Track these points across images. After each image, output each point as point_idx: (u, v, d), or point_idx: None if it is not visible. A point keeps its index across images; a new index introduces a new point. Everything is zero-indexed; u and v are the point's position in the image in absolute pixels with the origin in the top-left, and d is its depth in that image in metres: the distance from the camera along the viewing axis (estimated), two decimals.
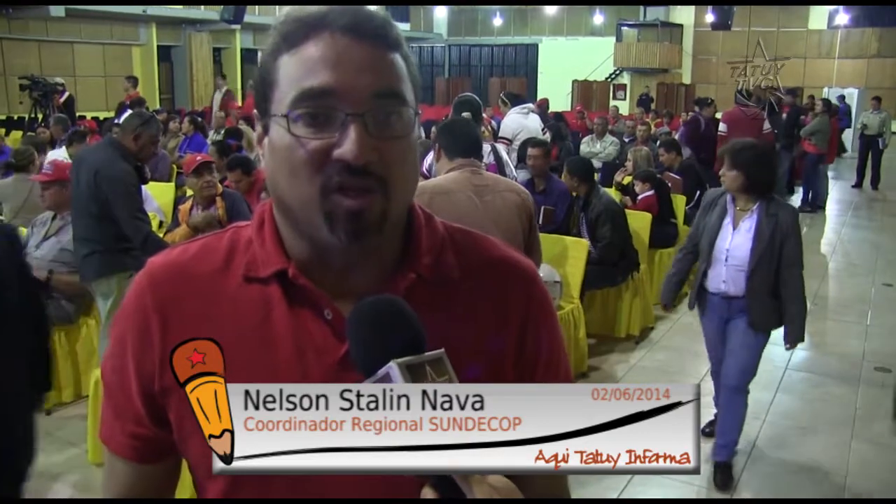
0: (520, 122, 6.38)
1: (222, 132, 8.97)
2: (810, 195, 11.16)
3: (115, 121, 8.83)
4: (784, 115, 11.50)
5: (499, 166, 4.75)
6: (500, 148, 5.22)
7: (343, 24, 0.82)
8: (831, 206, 11.43)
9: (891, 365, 5.15)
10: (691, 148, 8.88)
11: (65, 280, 4.21)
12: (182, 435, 0.90)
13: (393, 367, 0.72)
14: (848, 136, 18.11)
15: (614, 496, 3.42)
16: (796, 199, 11.90)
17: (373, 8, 0.86)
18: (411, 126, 0.85)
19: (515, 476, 0.72)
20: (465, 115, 4.88)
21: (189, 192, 5.02)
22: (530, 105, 6.97)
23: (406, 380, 0.71)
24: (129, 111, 5.49)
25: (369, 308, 0.79)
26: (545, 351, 0.97)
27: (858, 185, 13.58)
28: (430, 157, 3.71)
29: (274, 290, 0.89)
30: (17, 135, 10.71)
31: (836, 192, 12.58)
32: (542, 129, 6.60)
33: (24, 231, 4.72)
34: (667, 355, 5.35)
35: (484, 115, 6.47)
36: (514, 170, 5.13)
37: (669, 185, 6.85)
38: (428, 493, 0.72)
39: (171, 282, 0.92)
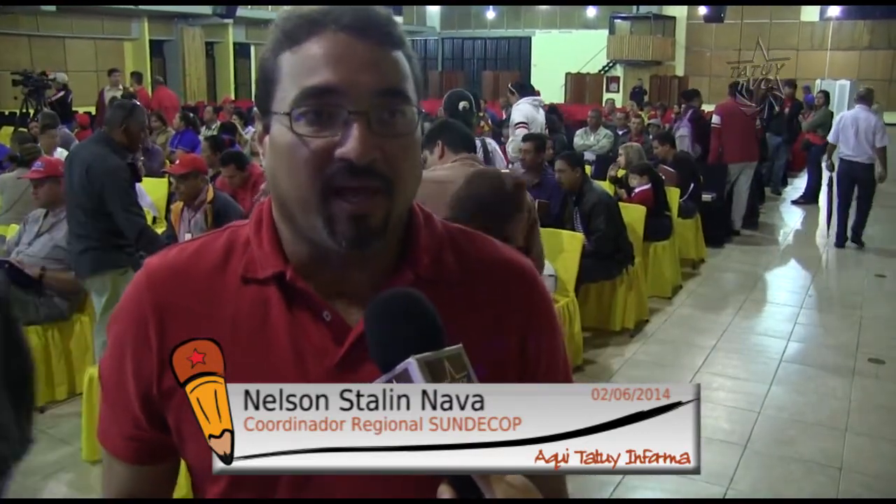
0: (532, 114, 6.35)
1: (214, 127, 8.94)
2: (810, 186, 11.21)
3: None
4: (786, 111, 11.49)
5: (486, 160, 4.74)
6: (488, 140, 5.22)
7: (346, 22, 0.82)
8: (825, 198, 11.43)
9: (885, 356, 5.18)
10: (701, 146, 8.86)
11: (58, 277, 4.20)
12: (181, 437, 0.90)
13: (412, 362, 0.71)
14: None
15: (610, 490, 3.43)
16: (791, 191, 11.94)
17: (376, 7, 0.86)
18: (414, 124, 0.84)
19: None
20: (464, 104, 4.86)
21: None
22: (541, 98, 6.95)
23: (425, 375, 0.71)
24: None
25: (389, 301, 0.78)
26: (547, 352, 0.96)
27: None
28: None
29: (272, 291, 0.88)
30: (8, 130, 10.64)
31: None
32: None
33: (15, 228, 4.71)
34: (662, 348, 5.37)
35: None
36: (503, 160, 5.13)
37: (664, 177, 6.86)
38: (445, 491, 0.72)
39: (168, 282, 0.91)
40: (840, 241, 8.40)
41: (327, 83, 0.80)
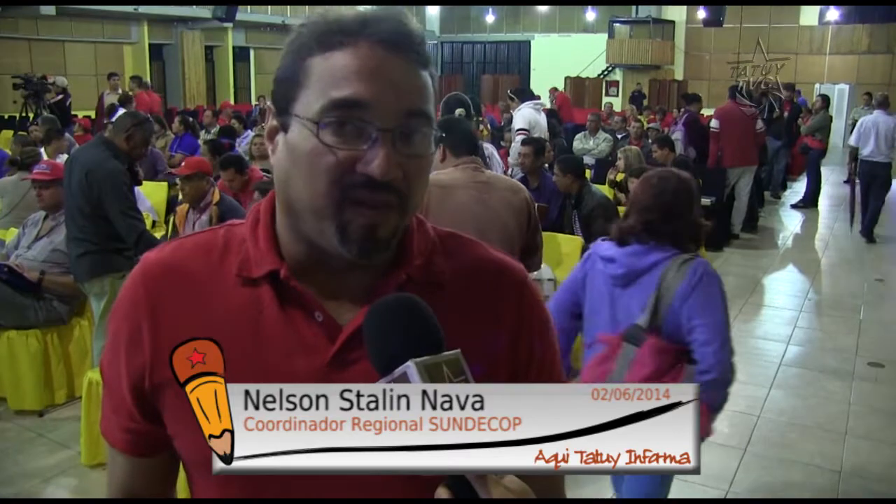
0: (535, 118, 6.34)
1: (213, 131, 8.94)
2: (809, 190, 11.22)
3: (106, 120, 8.78)
4: (785, 114, 11.49)
5: (485, 163, 4.75)
6: (486, 145, 5.23)
7: (381, 37, 0.82)
8: (823, 202, 11.46)
9: (884, 360, 5.18)
10: (696, 148, 8.86)
11: (57, 280, 4.19)
12: (174, 432, 0.91)
13: (411, 366, 0.71)
14: (839, 131, 18.18)
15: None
16: (791, 195, 11.95)
17: (404, 9, 0.86)
18: (431, 144, 0.85)
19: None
20: (460, 110, 4.86)
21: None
22: (542, 102, 6.95)
23: (424, 379, 0.71)
24: (122, 110, 5.48)
25: (389, 306, 0.79)
26: (538, 353, 0.97)
27: (850, 180, 13.62)
28: None
29: (266, 290, 0.89)
30: (7, 134, 10.65)
31: (828, 188, 12.61)
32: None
33: (14, 231, 4.71)
34: None
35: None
36: (500, 164, 5.13)
37: None
38: (442, 493, 0.72)
39: (164, 279, 0.91)
40: (865, 230, 9.03)
41: (360, 97, 0.80)
